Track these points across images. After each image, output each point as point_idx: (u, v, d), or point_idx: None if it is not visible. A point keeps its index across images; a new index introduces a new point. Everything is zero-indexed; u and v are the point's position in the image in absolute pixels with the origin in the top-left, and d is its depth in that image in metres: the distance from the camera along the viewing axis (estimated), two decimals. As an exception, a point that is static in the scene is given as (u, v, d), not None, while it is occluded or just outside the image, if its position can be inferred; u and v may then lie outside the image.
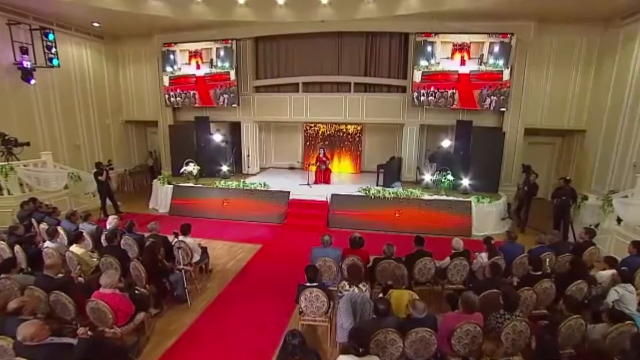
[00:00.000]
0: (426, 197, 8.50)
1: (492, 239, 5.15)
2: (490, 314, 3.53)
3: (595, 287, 4.30)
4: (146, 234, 5.67)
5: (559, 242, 5.40)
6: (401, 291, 3.89)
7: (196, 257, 5.55)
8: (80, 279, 4.75)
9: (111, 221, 5.74)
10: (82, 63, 10.77)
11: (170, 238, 5.47)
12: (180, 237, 5.33)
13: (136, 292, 4.25)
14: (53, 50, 8.54)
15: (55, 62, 8.59)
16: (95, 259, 5.04)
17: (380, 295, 4.19)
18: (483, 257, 4.99)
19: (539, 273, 4.27)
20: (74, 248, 4.88)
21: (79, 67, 10.66)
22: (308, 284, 4.01)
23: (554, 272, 4.78)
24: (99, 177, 8.63)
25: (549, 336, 3.11)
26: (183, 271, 5.04)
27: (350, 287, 4.01)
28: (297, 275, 5.86)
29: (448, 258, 4.93)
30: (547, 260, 4.78)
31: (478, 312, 3.41)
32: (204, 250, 5.89)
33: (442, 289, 5.04)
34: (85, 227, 5.78)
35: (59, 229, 5.51)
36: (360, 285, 4.02)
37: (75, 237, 5.04)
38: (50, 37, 8.54)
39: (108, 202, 9.23)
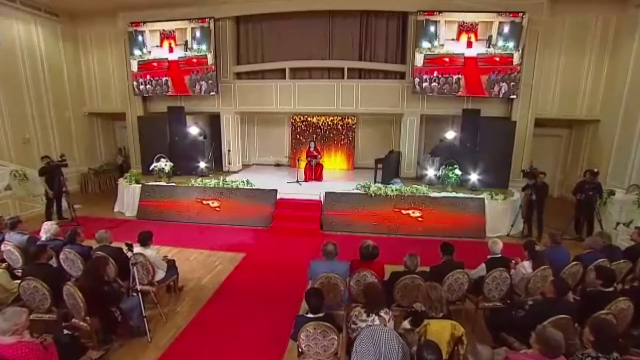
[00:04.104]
0: (434, 194, 7.50)
1: (535, 243, 4.16)
2: (572, 354, 2.50)
3: (678, 305, 3.34)
4: (96, 246, 4.41)
5: (610, 246, 4.44)
6: (441, 322, 2.82)
7: (160, 274, 4.32)
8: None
9: (48, 229, 4.42)
10: (32, 44, 9.23)
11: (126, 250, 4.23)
12: (138, 249, 4.10)
13: (65, 331, 3.00)
14: (-11, 23, 7.12)
15: (-8, 37, 7.17)
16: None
17: (408, 324, 3.10)
18: (526, 266, 3.99)
19: (611, 289, 3.28)
20: (-14, 268, 3.58)
21: (28, 48, 9.11)
22: (310, 315, 2.88)
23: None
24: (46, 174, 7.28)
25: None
26: (140, 294, 3.81)
27: (368, 316, 2.91)
28: (288, 292, 4.78)
29: (483, 265, 3.90)
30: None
31: (562, 355, 2.36)
32: (171, 264, 4.66)
33: (476, 308, 4.01)
34: (13, 238, 4.45)
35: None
36: (383, 314, 2.93)
37: (-13, 253, 3.73)
38: (-14, 7, 7.11)
39: (64, 205, 7.90)
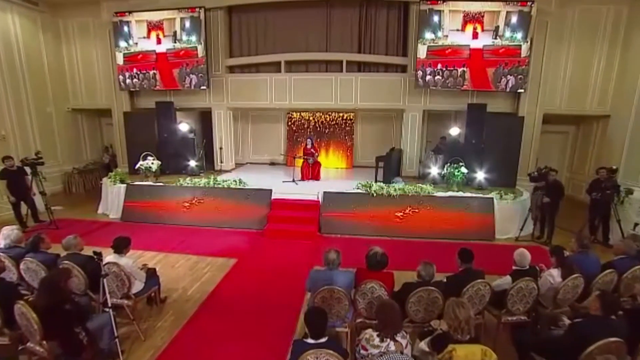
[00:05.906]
0: (439, 194, 7.03)
1: (563, 248, 3.68)
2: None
3: None
4: (63, 254, 3.86)
5: (641, 250, 3.98)
6: (469, 347, 2.32)
7: (138, 286, 3.78)
8: None
9: (7, 235, 3.85)
10: (8, 34, 8.57)
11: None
12: (110, 258, 3.56)
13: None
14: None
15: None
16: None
17: (426, 346, 2.62)
18: (554, 275, 3.51)
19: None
20: None
21: (4, 39, 8.44)
22: (311, 341, 2.37)
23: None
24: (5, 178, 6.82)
25: None
26: (112, 310, 3.28)
27: (382, 341, 2.41)
28: (284, 303, 4.27)
29: (509, 278, 3.42)
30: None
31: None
32: (152, 273, 4.12)
33: (497, 322, 3.53)
34: (-33, 247, 3.89)
35: None
36: (399, 338, 2.43)
37: None
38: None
39: (41, 207, 7.33)
